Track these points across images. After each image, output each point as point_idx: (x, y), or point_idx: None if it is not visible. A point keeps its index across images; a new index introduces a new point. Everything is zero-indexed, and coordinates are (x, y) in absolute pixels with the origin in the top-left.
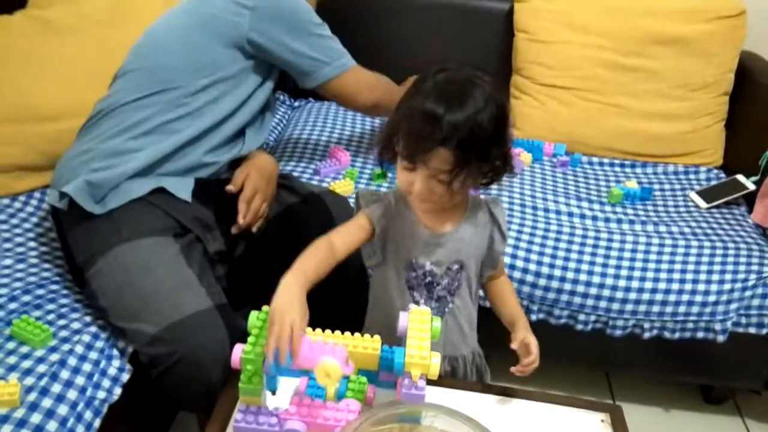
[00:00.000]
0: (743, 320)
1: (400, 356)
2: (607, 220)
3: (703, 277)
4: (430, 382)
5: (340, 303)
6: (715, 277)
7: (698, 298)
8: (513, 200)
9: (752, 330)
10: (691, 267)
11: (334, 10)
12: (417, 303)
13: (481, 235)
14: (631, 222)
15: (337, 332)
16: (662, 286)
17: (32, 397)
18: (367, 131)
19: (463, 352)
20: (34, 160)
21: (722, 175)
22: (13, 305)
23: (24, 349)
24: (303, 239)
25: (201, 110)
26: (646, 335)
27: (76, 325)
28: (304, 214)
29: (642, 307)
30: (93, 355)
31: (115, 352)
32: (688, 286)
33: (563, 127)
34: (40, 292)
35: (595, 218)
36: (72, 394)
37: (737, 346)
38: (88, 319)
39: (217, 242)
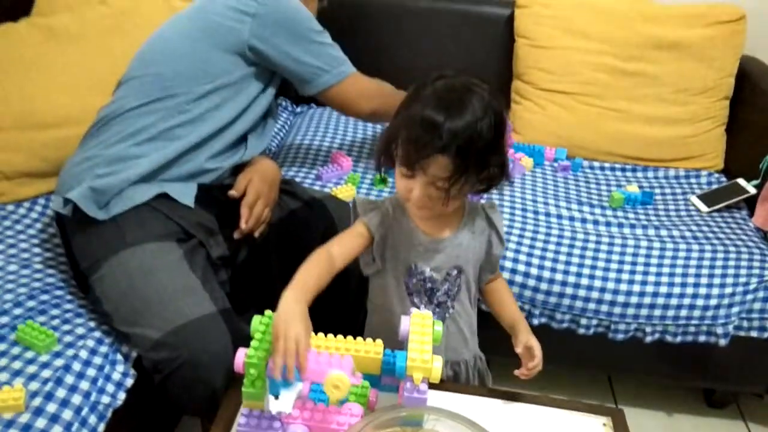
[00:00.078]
0: (745, 324)
1: (402, 360)
2: (608, 224)
3: (704, 280)
4: (432, 386)
5: (342, 308)
6: (717, 280)
7: (700, 302)
8: (514, 205)
9: (754, 334)
10: (692, 271)
11: (336, 17)
12: (418, 308)
13: (480, 239)
14: (633, 226)
15: (340, 336)
16: (664, 289)
17: (37, 401)
18: (368, 137)
19: (465, 357)
20: (39, 166)
21: (723, 179)
22: (17, 311)
23: (29, 354)
24: (305, 244)
25: (203, 116)
26: (648, 339)
27: (80, 331)
28: (306, 219)
29: (644, 311)
30: (97, 360)
31: (119, 357)
32: (689, 290)
33: (564, 132)
34: (45, 297)
35: (596, 222)
36: (76, 399)
37: (739, 349)
38: (92, 324)
39: (220, 247)
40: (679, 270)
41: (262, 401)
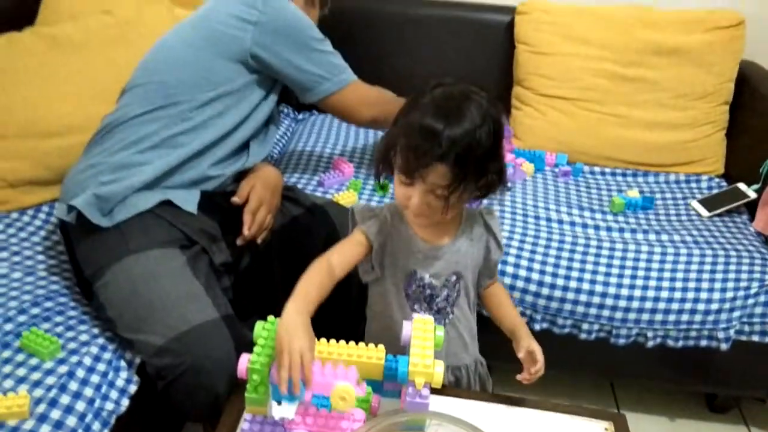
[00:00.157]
0: (746, 328)
1: (404, 365)
2: (609, 229)
3: (705, 285)
4: (434, 391)
5: (343, 316)
6: (718, 285)
7: (701, 307)
8: (516, 210)
9: (755, 338)
10: (693, 275)
11: (337, 25)
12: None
13: (478, 245)
14: (633, 231)
15: (342, 342)
16: (665, 294)
17: (41, 408)
18: (370, 143)
19: (466, 362)
20: (43, 174)
21: (723, 183)
22: (22, 318)
23: (33, 361)
24: (307, 250)
25: (206, 124)
26: (650, 344)
27: (84, 337)
28: (309, 226)
29: (645, 316)
30: (101, 366)
31: (122, 363)
32: (690, 295)
33: (565, 137)
34: (49, 304)
35: (597, 227)
36: (80, 406)
37: (741, 354)
38: (95, 331)
39: (223, 254)
40: (680, 275)
41: (264, 407)
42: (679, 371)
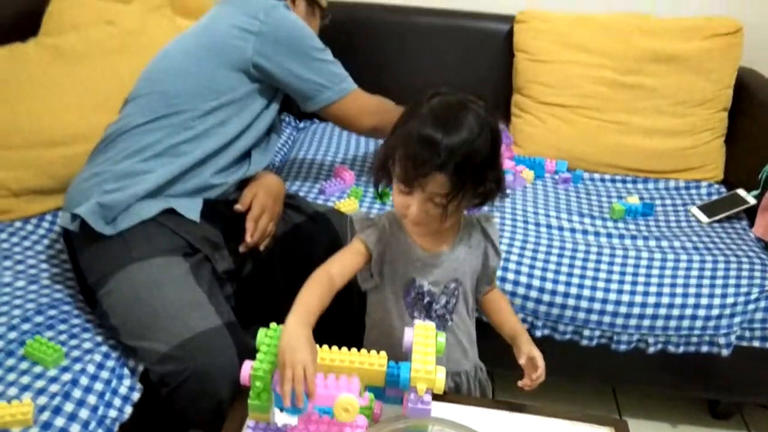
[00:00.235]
0: (747, 334)
1: (406, 371)
2: (609, 235)
3: (705, 291)
4: (435, 398)
5: (345, 323)
6: (718, 291)
7: (701, 312)
8: (516, 217)
9: (756, 344)
10: (693, 281)
11: (338, 34)
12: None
13: (476, 252)
14: (633, 237)
15: (344, 349)
16: (665, 300)
17: (45, 416)
18: (370, 151)
19: (466, 368)
20: (47, 183)
21: (723, 189)
22: (26, 326)
23: (37, 369)
24: (309, 258)
25: (208, 133)
26: (651, 350)
27: (87, 345)
28: (310, 233)
29: (646, 322)
30: (104, 374)
31: (125, 371)
32: (691, 301)
33: (564, 145)
34: (52, 312)
35: (597, 234)
36: (84, 413)
37: (742, 360)
38: (99, 338)
39: (226, 261)
40: (680, 280)
41: (267, 413)
42: (680, 377)
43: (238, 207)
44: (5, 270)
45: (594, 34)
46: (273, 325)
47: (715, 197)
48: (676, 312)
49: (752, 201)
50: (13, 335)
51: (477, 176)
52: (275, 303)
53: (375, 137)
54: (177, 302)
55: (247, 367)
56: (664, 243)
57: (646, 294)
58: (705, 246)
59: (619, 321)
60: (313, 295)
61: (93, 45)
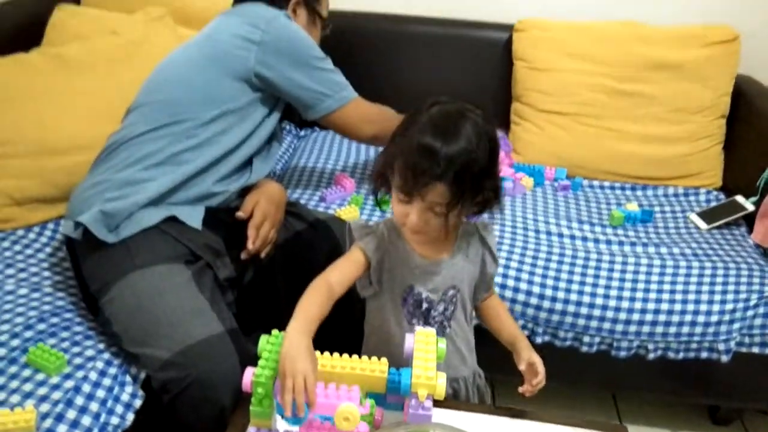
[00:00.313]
0: (746, 340)
1: (407, 377)
2: (608, 242)
3: (705, 297)
4: (436, 404)
5: (347, 329)
6: (717, 297)
7: (701, 319)
8: (516, 224)
9: (756, 350)
10: (692, 287)
11: (338, 44)
12: (414, 329)
13: (474, 259)
14: (633, 244)
15: (345, 355)
16: (665, 306)
17: (48, 423)
18: (371, 159)
19: (464, 374)
20: (50, 192)
21: (722, 196)
22: (28, 333)
23: (40, 377)
24: (310, 265)
25: (210, 141)
26: (651, 356)
27: (89, 353)
28: (311, 241)
29: (646, 328)
30: (106, 381)
31: (127, 378)
32: (690, 307)
33: (564, 152)
34: (55, 320)
35: (597, 241)
36: (86, 420)
37: (742, 366)
38: (101, 346)
39: (227, 269)
40: (679, 287)
41: (269, 420)
42: (680, 383)
43: (240, 214)
44: (8, 278)
45: (592, 43)
46: (275, 331)
47: (713, 204)
48: (675, 318)
49: (751, 207)
50: (15, 343)
51: (476, 185)
52: (276, 310)
53: (375, 145)
54: (179, 309)
55: (249, 374)
56: (664, 249)
57: (645, 300)
58: (704, 252)
59: (619, 327)
60: (313, 304)
61: (96, 54)
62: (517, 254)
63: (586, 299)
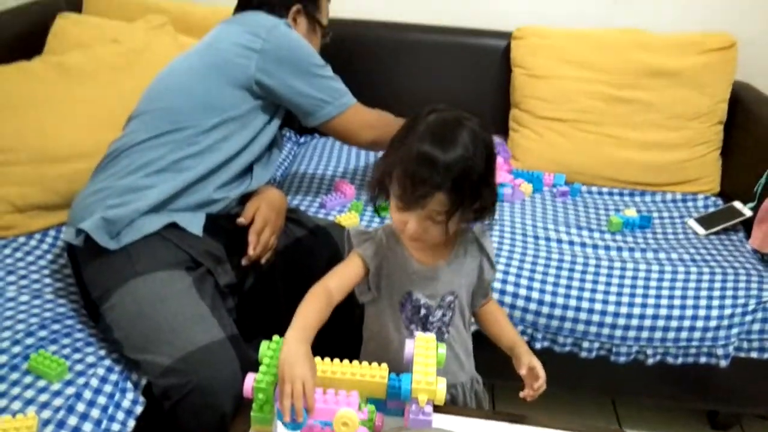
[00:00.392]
0: (745, 345)
1: (407, 382)
2: (607, 248)
3: (703, 302)
4: (437, 410)
5: (347, 335)
6: (716, 302)
7: (699, 324)
8: (515, 230)
9: (754, 355)
10: (691, 293)
11: (339, 52)
12: (413, 335)
13: (471, 266)
14: (631, 249)
15: (345, 361)
16: (663, 312)
17: (49, 429)
18: (370, 165)
19: (462, 380)
20: (52, 199)
21: (719, 202)
22: (29, 340)
23: (41, 383)
24: (310, 271)
25: (211, 148)
26: (650, 361)
27: (90, 359)
28: (312, 247)
29: (644, 333)
30: (107, 388)
31: (128, 385)
32: (689, 312)
33: (562, 158)
34: (56, 327)
35: (595, 246)
36: (87, 427)
37: (741, 371)
38: (102, 352)
39: (228, 275)
40: (678, 292)
41: (270, 426)
42: (679, 388)
43: (241, 220)
44: (9, 285)
45: (590, 50)
46: (275, 337)
47: (711, 210)
48: (674, 324)
49: (748, 213)
50: (17, 349)
51: (474, 192)
52: (277, 316)
53: (375, 150)
54: (180, 316)
55: (250, 380)
56: (662, 255)
57: (644, 306)
58: (702, 258)
59: (618, 333)
60: (312, 310)
61: (98, 63)
62: (516, 260)
63: (585, 305)
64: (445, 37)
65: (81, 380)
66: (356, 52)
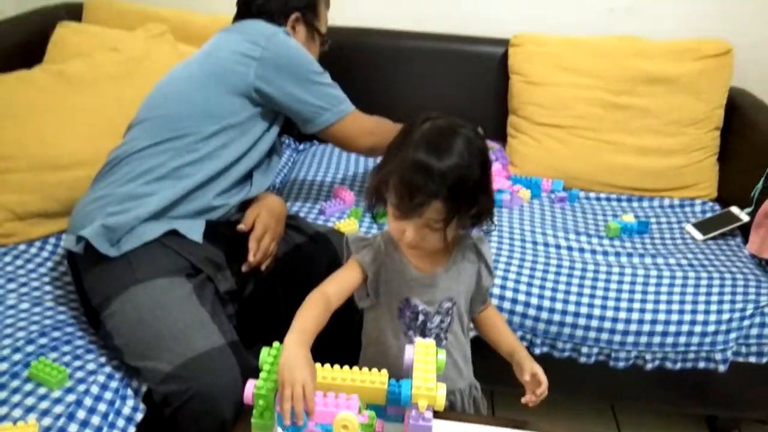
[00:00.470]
0: (743, 350)
1: (407, 388)
2: (605, 253)
3: (701, 307)
4: (437, 415)
5: (346, 340)
6: (714, 307)
7: (698, 329)
8: (513, 235)
9: (752, 359)
10: (689, 298)
11: (337, 58)
12: (411, 341)
13: (470, 272)
14: (630, 255)
15: (346, 367)
16: (662, 317)
17: None
18: (370, 171)
19: (460, 386)
20: (52, 207)
21: (717, 207)
22: (30, 348)
23: (41, 390)
24: (310, 278)
25: (210, 155)
26: (649, 366)
27: (91, 366)
28: (311, 253)
29: (643, 339)
30: (108, 395)
31: (129, 392)
32: (687, 317)
33: (560, 164)
34: (56, 334)
35: (594, 252)
36: None
37: (739, 375)
38: (102, 359)
39: (228, 282)
40: (676, 297)
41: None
42: (678, 393)
43: (241, 227)
44: (9, 292)
45: (587, 57)
46: (276, 344)
47: (709, 215)
48: (672, 329)
49: (745, 218)
50: (17, 357)
51: (470, 199)
52: (277, 322)
53: (373, 156)
54: (180, 323)
55: (251, 386)
56: (660, 260)
57: (642, 311)
58: (700, 263)
59: (617, 338)
60: (310, 315)
61: (98, 71)
62: (514, 266)
63: (584, 310)
64: (443, 44)
65: (81, 387)
66: (355, 60)
